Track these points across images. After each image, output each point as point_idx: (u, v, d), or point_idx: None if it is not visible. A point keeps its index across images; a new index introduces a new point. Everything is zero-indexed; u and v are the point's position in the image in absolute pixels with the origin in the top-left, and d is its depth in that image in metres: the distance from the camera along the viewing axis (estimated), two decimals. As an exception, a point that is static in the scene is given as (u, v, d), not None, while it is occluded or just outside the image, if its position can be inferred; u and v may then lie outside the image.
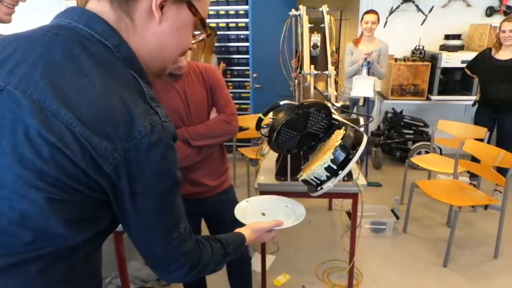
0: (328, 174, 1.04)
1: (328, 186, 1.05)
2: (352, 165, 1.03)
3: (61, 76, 0.59)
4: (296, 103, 1.12)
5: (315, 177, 1.07)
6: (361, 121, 1.86)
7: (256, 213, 1.18)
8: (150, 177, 0.63)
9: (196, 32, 0.76)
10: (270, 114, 1.18)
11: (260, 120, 1.15)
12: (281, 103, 1.16)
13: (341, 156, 1.02)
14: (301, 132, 1.16)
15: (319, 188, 1.07)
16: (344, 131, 1.08)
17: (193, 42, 0.77)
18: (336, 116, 1.17)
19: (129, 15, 0.66)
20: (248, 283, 1.99)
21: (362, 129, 1.14)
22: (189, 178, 1.68)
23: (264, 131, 1.17)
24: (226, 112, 1.67)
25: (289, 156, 1.84)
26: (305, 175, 1.10)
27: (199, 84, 1.65)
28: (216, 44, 4.26)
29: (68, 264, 0.67)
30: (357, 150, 1.03)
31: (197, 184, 1.69)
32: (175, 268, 0.75)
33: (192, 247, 0.77)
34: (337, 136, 1.09)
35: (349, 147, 1.03)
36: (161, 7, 0.66)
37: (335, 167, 1.03)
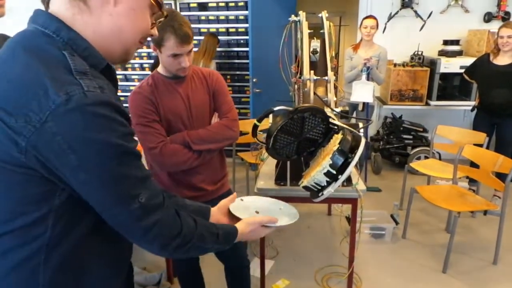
0: (328, 179, 1.04)
1: (328, 191, 1.05)
2: (351, 169, 1.03)
3: None
4: (291, 108, 1.12)
5: (315, 183, 1.07)
6: (361, 125, 1.86)
7: (250, 210, 1.17)
8: (79, 147, 0.63)
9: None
10: (270, 120, 1.18)
11: (255, 127, 1.15)
12: (275, 108, 1.16)
13: (339, 160, 1.02)
14: (298, 137, 1.15)
15: (320, 194, 1.07)
16: (342, 135, 1.08)
17: (152, 27, 0.80)
18: (333, 120, 1.17)
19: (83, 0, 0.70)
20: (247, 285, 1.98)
21: (362, 133, 1.14)
22: (187, 182, 1.67)
23: (263, 136, 1.17)
24: (228, 118, 1.67)
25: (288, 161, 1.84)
26: (305, 181, 1.10)
27: (202, 88, 1.66)
28: (218, 49, 4.27)
29: (28, 260, 0.69)
30: (355, 154, 1.03)
31: (195, 188, 1.69)
32: (151, 238, 0.75)
33: (163, 217, 0.76)
34: (335, 141, 1.09)
35: (347, 151, 1.03)
36: None
37: (334, 172, 1.03)
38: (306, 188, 1.12)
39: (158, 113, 1.59)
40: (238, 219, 1.05)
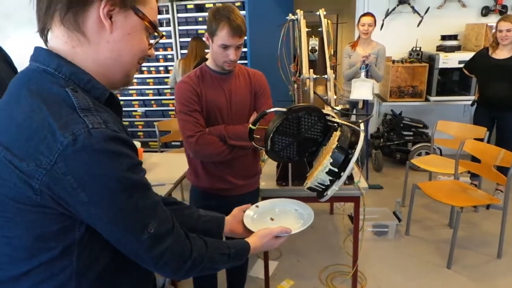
0: (331, 178, 1.03)
1: (333, 189, 1.04)
2: (352, 165, 1.02)
3: (0, 121, 0.70)
4: (284, 109, 1.11)
5: (319, 183, 1.06)
6: (361, 124, 1.85)
7: (264, 219, 1.17)
8: (88, 184, 0.65)
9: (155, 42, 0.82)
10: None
11: (251, 130, 1.15)
12: (268, 111, 1.16)
13: (340, 157, 1.01)
14: (296, 138, 1.14)
15: (325, 194, 1.06)
16: (340, 132, 1.07)
17: (149, 47, 0.81)
18: (331, 117, 1.16)
19: (80, 31, 0.72)
20: (243, 278, 2.08)
21: (363, 128, 1.12)
22: (218, 174, 1.74)
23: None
24: (266, 119, 1.68)
25: (289, 161, 1.83)
26: (309, 182, 1.09)
27: (246, 87, 1.72)
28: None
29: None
30: (355, 149, 1.02)
31: (225, 181, 1.74)
32: (162, 265, 0.78)
33: (173, 243, 0.78)
34: (335, 138, 1.08)
35: (346, 148, 1.02)
36: (110, 17, 0.72)
37: (336, 169, 1.02)
38: (310, 189, 1.11)
39: (200, 104, 1.65)
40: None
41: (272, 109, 1.15)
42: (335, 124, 1.15)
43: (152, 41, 0.83)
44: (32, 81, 0.71)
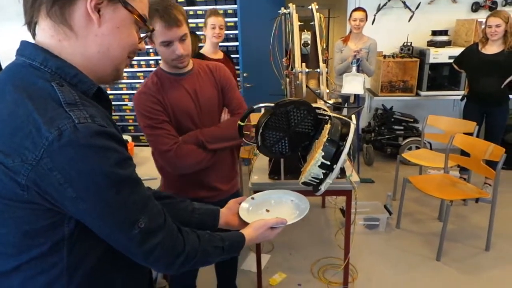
0: (324, 171, 1.04)
1: (327, 183, 1.04)
2: (345, 157, 1.02)
3: None
4: (272, 104, 1.11)
5: (312, 177, 1.06)
6: (353, 117, 1.86)
7: (260, 210, 1.17)
8: (75, 180, 0.64)
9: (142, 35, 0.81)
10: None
11: (240, 127, 1.14)
12: (255, 107, 1.15)
13: (331, 150, 1.01)
14: (287, 132, 1.14)
15: (319, 188, 1.07)
16: (330, 125, 1.07)
17: (139, 41, 0.80)
18: (321, 111, 1.16)
19: (67, 24, 0.70)
20: (234, 271, 2.04)
21: (354, 120, 1.13)
22: (200, 182, 1.62)
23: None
24: (241, 113, 1.58)
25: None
26: (303, 177, 1.09)
27: (210, 83, 1.59)
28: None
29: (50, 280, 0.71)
30: (346, 141, 1.02)
31: (209, 188, 1.65)
32: (154, 260, 0.78)
33: (164, 238, 0.78)
34: (326, 132, 1.08)
35: (337, 140, 1.02)
36: (98, 10, 0.70)
37: (328, 162, 1.03)
38: (305, 183, 1.11)
39: (166, 112, 1.51)
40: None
41: (261, 105, 1.14)
42: (326, 117, 1.15)
43: (142, 35, 0.81)
44: (17, 76, 0.70)
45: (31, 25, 0.73)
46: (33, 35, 0.74)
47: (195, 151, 1.52)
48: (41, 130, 0.62)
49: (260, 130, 1.09)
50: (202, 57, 2.90)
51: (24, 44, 0.73)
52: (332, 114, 1.11)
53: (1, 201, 0.66)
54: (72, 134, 0.63)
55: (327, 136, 1.03)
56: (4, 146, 0.64)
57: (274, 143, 1.14)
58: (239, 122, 1.14)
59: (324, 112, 1.15)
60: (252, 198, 1.21)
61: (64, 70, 0.71)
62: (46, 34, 0.72)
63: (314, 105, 1.16)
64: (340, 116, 1.10)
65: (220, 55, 3.08)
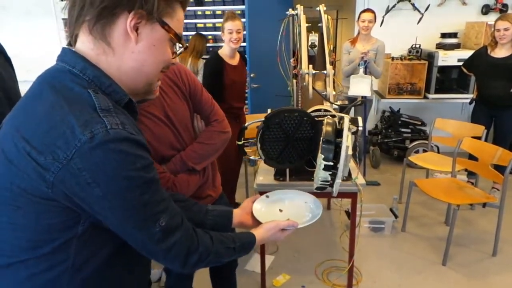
0: (330, 173, 1.04)
1: (337, 183, 1.05)
2: (345, 153, 1.01)
3: (21, 113, 0.74)
4: (263, 119, 1.11)
5: (322, 181, 1.06)
6: (359, 119, 1.86)
7: (273, 209, 1.17)
8: (103, 181, 0.68)
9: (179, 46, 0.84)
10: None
11: (241, 146, 1.16)
12: (246, 124, 1.18)
13: (329, 151, 1.01)
14: (287, 141, 1.14)
15: (333, 190, 1.07)
16: (324, 126, 1.07)
17: (173, 56, 0.83)
18: (322, 112, 1.16)
19: (106, 41, 0.74)
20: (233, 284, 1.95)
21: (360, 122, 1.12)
22: (198, 194, 1.54)
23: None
24: (217, 120, 1.50)
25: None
26: (315, 183, 1.10)
27: (177, 96, 1.42)
28: (213, 45, 4.25)
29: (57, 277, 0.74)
30: (342, 135, 1.02)
31: (201, 198, 1.58)
32: (171, 258, 0.81)
33: (182, 237, 0.81)
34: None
35: (332, 139, 1.02)
36: (136, 29, 0.74)
37: (331, 163, 1.02)
38: (318, 189, 1.11)
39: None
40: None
41: (251, 122, 1.15)
42: (322, 118, 1.14)
43: (176, 51, 0.84)
44: (56, 80, 0.74)
45: (72, 36, 0.77)
46: (74, 44, 0.78)
47: (188, 179, 1.44)
48: (75, 132, 0.66)
49: (259, 145, 1.10)
50: (220, 60, 2.80)
51: (65, 51, 0.77)
52: (325, 113, 1.11)
53: (25, 195, 0.69)
54: (104, 138, 0.66)
55: (321, 138, 1.03)
56: (37, 144, 0.68)
57: (279, 153, 1.15)
58: (237, 142, 1.15)
59: (318, 113, 1.15)
60: (267, 196, 1.21)
61: (100, 80, 0.75)
62: (86, 46, 0.76)
63: (316, 107, 1.16)
64: (335, 113, 1.10)
65: (236, 60, 2.90)
